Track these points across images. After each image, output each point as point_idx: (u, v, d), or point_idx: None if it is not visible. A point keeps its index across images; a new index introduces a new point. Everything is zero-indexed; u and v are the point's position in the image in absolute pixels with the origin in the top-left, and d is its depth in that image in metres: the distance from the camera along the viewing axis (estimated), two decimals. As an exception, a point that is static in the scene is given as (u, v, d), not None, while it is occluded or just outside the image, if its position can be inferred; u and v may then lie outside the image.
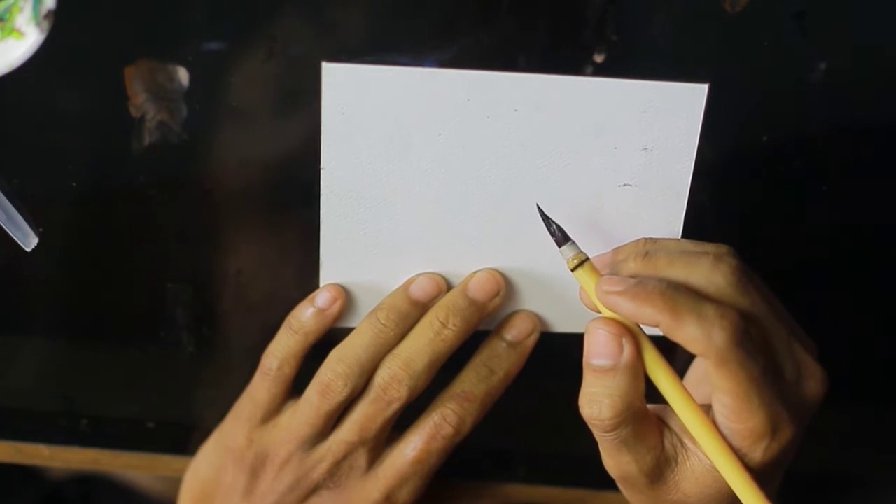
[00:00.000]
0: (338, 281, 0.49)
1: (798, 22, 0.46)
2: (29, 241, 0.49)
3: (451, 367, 0.49)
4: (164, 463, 0.57)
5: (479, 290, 0.48)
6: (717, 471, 0.42)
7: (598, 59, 0.45)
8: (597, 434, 0.43)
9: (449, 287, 0.49)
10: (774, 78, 0.47)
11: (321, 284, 0.49)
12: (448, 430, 0.49)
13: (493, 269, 0.49)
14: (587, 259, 0.44)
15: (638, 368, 0.42)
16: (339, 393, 0.48)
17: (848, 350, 0.55)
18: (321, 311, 0.49)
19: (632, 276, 0.42)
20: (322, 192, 0.47)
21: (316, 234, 0.48)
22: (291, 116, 0.47)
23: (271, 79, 0.46)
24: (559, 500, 0.59)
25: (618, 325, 0.42)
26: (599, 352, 0.42)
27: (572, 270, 0.44)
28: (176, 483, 0.57)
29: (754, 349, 0.40)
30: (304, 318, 0.49)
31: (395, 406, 0.48)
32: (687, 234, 0.49)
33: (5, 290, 0.52)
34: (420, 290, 0.48)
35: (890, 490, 0.62)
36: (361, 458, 0.50)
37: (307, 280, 0.49)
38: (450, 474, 0.56)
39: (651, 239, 0.45)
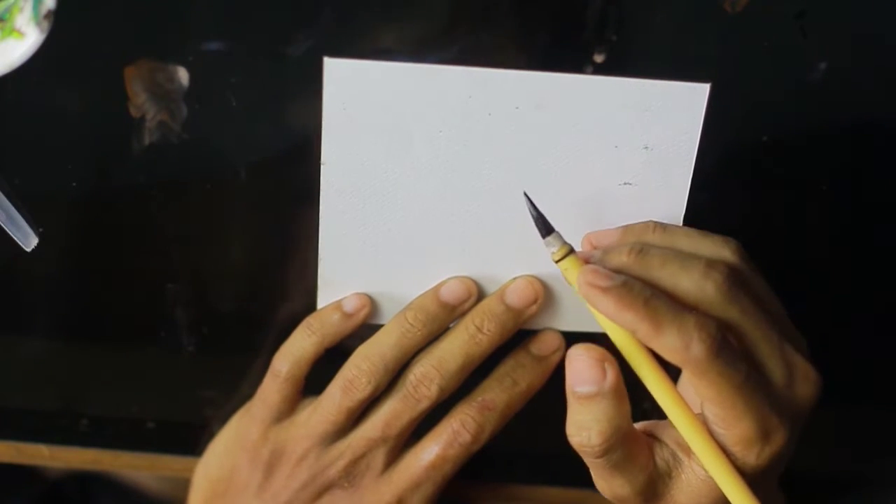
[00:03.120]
0: (336, 277, 0.49)
1: (798, 22, 0.46)
2: (29, 241, 0.49)
3: (474, 374, 0.49)
4: (164, 463, 0.57)
5: (517, 297, 0.48)
6: (711, 481, 0.41)
7: (598, 59, 0.45)
8: (588, 460, 0.42)
9: (479, 291, 0.49)
10: (774, 78, 0.47)
11: (319, 280, 0.49)
12: (466, 437, 0.49)
13: (532, 277, 0.48)
14: (573, 250, 0.43)
15: (622, 391, 0.41)
16: (363, 390, 0.48)
17: (848, 350, 0.55)
18: (347, 315, 0.49)
19: (619, 272, 0.41)
20: (322, 187, 0.47)
21: (316, 234, 0.48)
22: (291, 116, 0.47)
23: (271, 79, 0.46)
24: (559, 500, 0.59)
25: (598, 350, 0.41)
26: (583, 378, 0.41)
27: (556, 262, 0.43)
28: (176, 483, 0.57)
29: (735, 358, 0.40)
30: (328, 320, 0.49)
31: (424, 404, 0.48)
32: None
33: (5, 290, 0.52)
34: (450, 293, 0.48)
35: (890, 490, 0.62)
36: (379, 458, 0.50)
37: (307, 279, 0.49)
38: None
39: (660, 225, 0.44)
